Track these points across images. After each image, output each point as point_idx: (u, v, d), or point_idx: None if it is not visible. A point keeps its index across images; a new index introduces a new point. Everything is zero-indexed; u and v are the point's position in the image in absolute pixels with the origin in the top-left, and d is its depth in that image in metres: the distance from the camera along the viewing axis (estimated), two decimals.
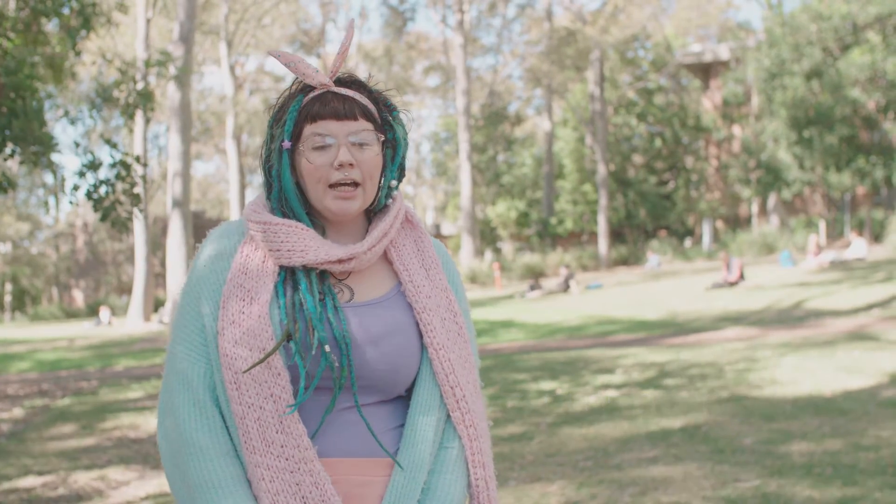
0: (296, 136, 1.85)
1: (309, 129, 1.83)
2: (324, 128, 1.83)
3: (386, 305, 1.88)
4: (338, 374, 1.76)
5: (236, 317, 1.78)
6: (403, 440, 1.84)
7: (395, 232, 1.94)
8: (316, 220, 1.89)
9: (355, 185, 1.84)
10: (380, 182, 1.91)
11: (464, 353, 1.93)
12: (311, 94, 1.86)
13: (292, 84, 1.91)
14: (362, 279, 1.90)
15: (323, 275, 1.85)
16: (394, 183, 1.93)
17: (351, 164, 1.82)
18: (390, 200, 1.95)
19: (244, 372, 1.74)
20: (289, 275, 1.83)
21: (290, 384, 1.76)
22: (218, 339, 1.78)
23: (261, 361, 1.73)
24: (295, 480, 1.74)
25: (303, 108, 1.85)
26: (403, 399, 1.91)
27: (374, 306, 1.87)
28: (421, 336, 1.89)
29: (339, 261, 1.83)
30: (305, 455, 1.75)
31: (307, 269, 1.83)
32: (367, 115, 1.86)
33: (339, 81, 1.89)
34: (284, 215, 1.87)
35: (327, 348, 1.75)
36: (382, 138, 1.88)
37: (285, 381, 1.75)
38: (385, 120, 1.91)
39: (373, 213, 1.96)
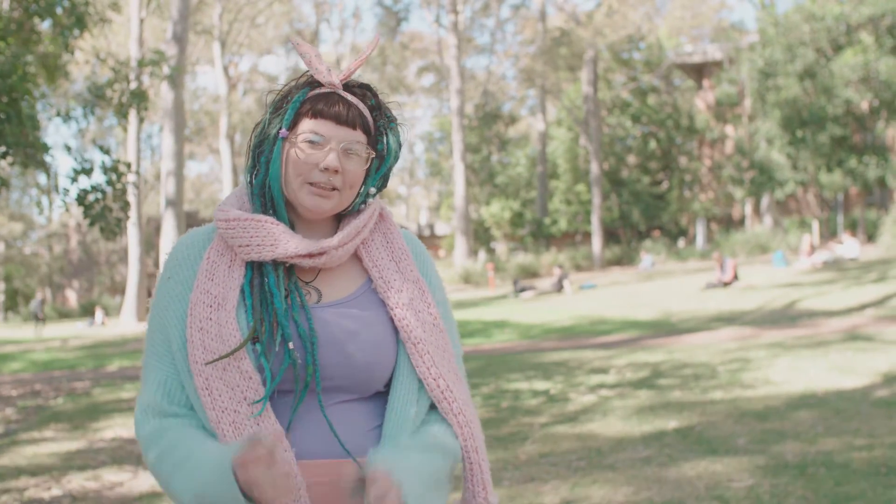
0: (292, 127, 1.85)
1: (306, 124, 1.83)
2: (321, 127, 1.83)
3: (354, 304, 1.87)
4: (301, 372, 1.76)
5: (204, 323, 1.77)
6: (383, 439, 1.83)
7: (369, 231, 1.94)
8: (287, 215, 1.89)
9: (334, 188, 1.84)
10: (359, 189, 1.91)
11: (441, 343, 1.91)
12: (317, 91, 1.87)
13: (301, 76, 1.91)
14: (330, 280, 1.89)
15: (290, 273, 1.84)
16: (372, 191, 1.93)
17: (336, 171, 1.82)
18: (364, 206, 1.94)
19: (206, 364, 1.74)
20: (256, 273, 1.83)
21: (262, 386, 1.75)
22: (187, 346, 1.78)
23: (226, 356, 1.73)
24: None
25: (305, 102, 1.85)
26: (383, 396, 1.89)
27: (342, 305, 1.86)
28: (395, 332, 1.88)
29: (310, 255, 1.82)
30: (283, 457, 1.73)
31: (276, 264, 1.83)
32: (365, 127, 1.86)
33: (347, 86, 1.90)
34: (263, 205, 1.87)
35: (291, 346, 1.75)
36: (372, 154, 1.88)
37: (257, 383, 1.74)
38: (380, 129, 1.91)
39: (343, 214, 1.95)
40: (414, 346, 1.86)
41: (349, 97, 1.86)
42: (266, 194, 1.87)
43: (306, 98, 1.86)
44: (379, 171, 1.93)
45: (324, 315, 1.82)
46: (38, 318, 31.60)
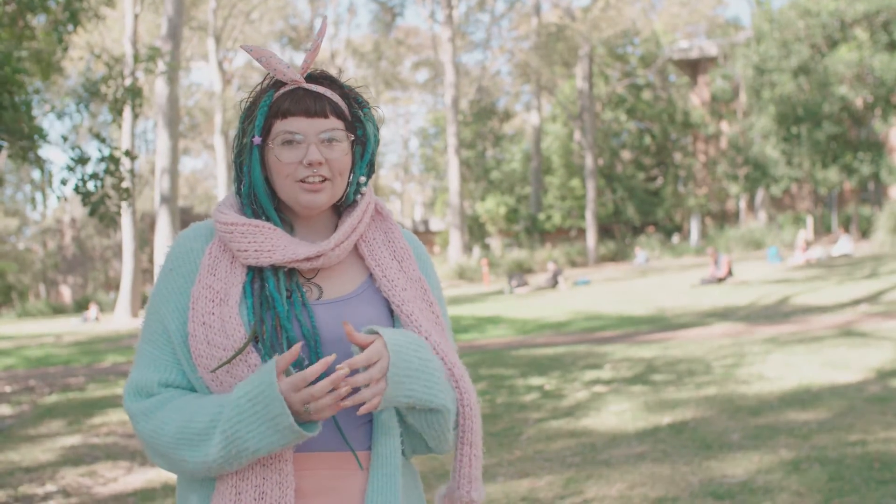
0: (265, 132, 1.85)
1: (279, 126, 1.84)
2: (294, 125, 1.83)
3: (356, 301, 1.88)
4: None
5: (206, 318, 1.79)
6: (374, 431, 1.85)
7: (365, 227, 1.95)
8: (284, 216, 1.91)
9: (324, 179, 1.85)
10: (349, 178, 1.92)
11: (443, 339, 1.92)
12: (282, 90, 1.86)
13: (264, 79, 1.92)
14: (331, 276, 1.90)
15: (291, 273, 1.85)
16: (363, 179, 1.93)
17: (320, 163, 1.82)
18: (359, 196, 1.95)
19: (212, 371, 1.76)
20: (256, 274, 1.84)
21: None
22: (189, 340, 1.79)
23: (227, 362, 1.74)
24: (263, 474, 1.75)
25: (273, 104, 1.85)
26: None
27: (343, 303, 1.87)
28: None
29: (307, 259, 1.84)
30: (281, 454, 1.75)
31: (275, 268, 1.84)
32: (338, 113, 1.86)
33: (311, 77, 1.90)
34: (254, 212, 1.88)
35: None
36: (352, 137, 1.88)
37: None
38: (356, 116, 1.91)
39: (342, 208, 1.96)
40: (426, 340, 1.86)
41: (315, 88, 1.86)
42: (255, 202, 1.88)
43: (273, 100, 1.86)
44: (364, 158, 1.93)
45: (325, 312, 1.83)
46: None
